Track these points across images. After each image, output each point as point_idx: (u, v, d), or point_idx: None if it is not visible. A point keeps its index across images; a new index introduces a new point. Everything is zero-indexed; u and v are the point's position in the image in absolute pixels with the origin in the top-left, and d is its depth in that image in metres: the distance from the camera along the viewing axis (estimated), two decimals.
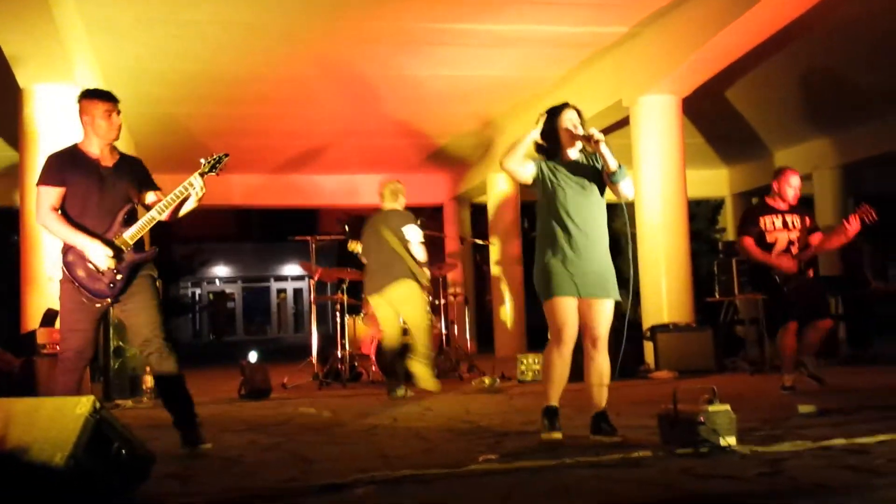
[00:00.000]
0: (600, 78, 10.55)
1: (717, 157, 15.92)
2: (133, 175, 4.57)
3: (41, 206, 4.40)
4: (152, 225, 4.45)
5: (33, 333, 7.49)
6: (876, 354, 9.72)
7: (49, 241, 8.35)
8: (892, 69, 10.78)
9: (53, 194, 4.40)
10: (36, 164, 8.44)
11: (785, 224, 6.54)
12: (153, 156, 13.17)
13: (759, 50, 8.78)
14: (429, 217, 11.60)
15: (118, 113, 4.55)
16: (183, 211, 4.56)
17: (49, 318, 7.71)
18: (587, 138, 4.37)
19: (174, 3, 8.33)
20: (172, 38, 9.06)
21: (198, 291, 37.57)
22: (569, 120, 4.48)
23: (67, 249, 4.41)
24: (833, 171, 14.37)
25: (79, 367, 4.43)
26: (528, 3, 8.60)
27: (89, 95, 4.56)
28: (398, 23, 8.99)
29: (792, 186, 6.54)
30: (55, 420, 3.18)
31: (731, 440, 3.84)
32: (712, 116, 12.57)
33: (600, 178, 4.49)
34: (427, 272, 7.61)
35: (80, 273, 4.35)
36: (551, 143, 4.52)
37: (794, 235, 6.51)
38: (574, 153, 4.53)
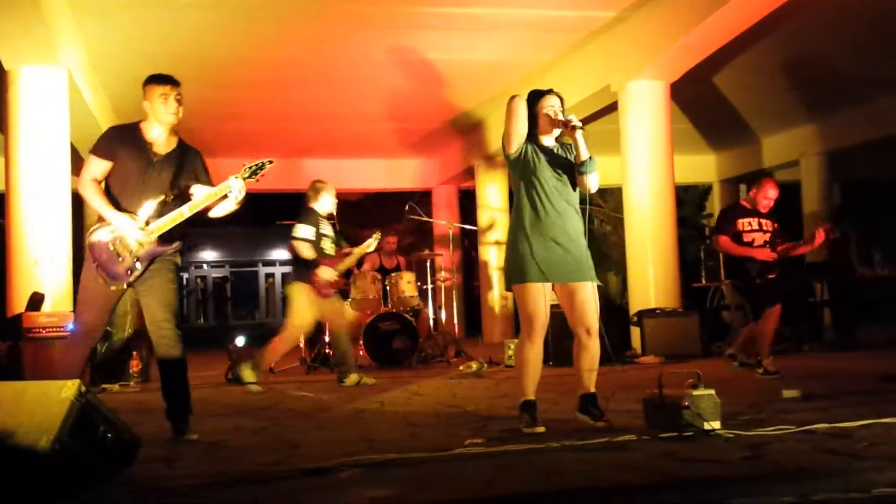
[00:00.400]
0: (588, 63, 10.53)
1: (705, 142, 15.95)
2: (183, 166, 4.53)
3: (85, 173, 4.42)
4: (181, 220, 4.42)
5: (19, 317, 7.46)
6: (860, 340, 9.79)
7: (35, 224, 8.34)
8: (878, 55, 10.81)
9: (99, 166, 4.42)
10: (20, 146, 8.42)
11: (760, 226, 6.87)
12: None
13: (748, 35, 8.78)
14: (417, 202, 11.56)
15: (177, 96, 4.53)
16: (220, 212, 4.57)
17: (35, 302, 7.68)
18: (565, 124, 4.36)
19: None
20: (159, 19, 8.98)
21: (185, 276, 37.45)
22: (550, 106, 4.47)
23: (93, 231, 4.42)
24: (820, 157, 14.42)
25: (86, 342, 4.52)
26: None
27: (149, 80, 4.56)
28: (385, 6, 8.95)
29: (768, 198, 6.87)
30: (41, 404, 3.17)
31: (715, 424, 3.87)
32: (700, 102, 12.57)
33: (573, 167, 4.47)
34: (325, 270, 7.28)
35: (103, 256, 4.38)
36: (529, 128, 4.49)
37: (766, 237, 6.86)
38: (550, 140, 4.53)
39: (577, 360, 4.50)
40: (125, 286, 4.43)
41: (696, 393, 3.91)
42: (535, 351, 4.42)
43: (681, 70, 9.59)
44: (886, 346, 9.24)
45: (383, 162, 16.83)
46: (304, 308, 7.29)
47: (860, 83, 11.96)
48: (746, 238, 6.82)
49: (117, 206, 4.38)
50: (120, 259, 4.36)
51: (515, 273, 4.42)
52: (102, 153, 4.43)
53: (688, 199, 18.09)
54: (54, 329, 7.11)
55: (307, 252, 7.26)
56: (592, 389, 4.43)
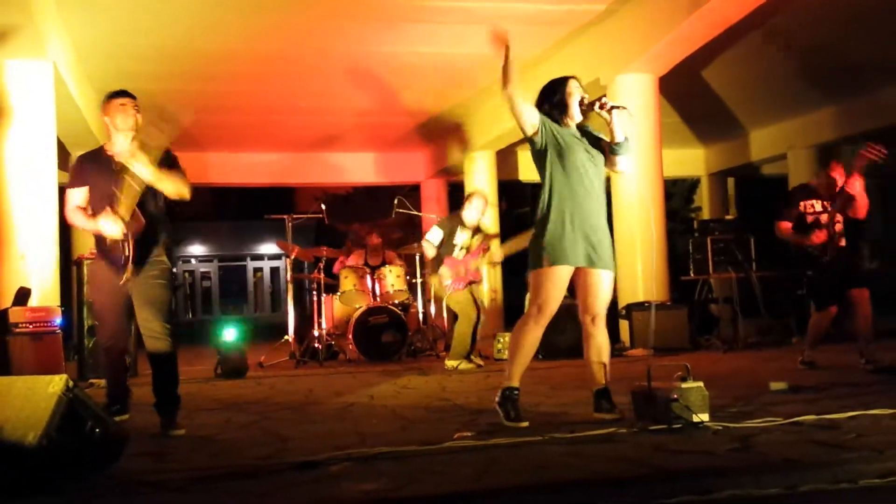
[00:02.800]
0: (577, 56, 10.53)
1: (694, 136, 15.97)
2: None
3: (68, 205, 4.75)
4: (136, 196, 4.46)
5: (6, 312, 7.41)
6: (849, 333, 9.80)
7: (21, 218, 8.29)
8: (866, 48, 10.84)
9: (77, 195, 4.72)
10: (5, 140, 8.36)
11: (824, 209, 6.50)
12: None
13: (736, 29, 8.79)
14: (406, 195, 11.55)
15: (135, 107, 4.70)
16: (165, 187, 4.56)
17: (21, 296, 7.63)
18: (602, 106, 4.32)
19: None
20: (146, 13, 8.93)
21: (173, 270, 37.32)
22: (577, 89, 4.42)
23: (96, 241, 4.71)
24: (808, 150, 14.46)
25: (116, 352, 4.88)
26: None
27: (106, 97, 4.78)
28: None
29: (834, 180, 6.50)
30: (28, 399, 3.16)
31: (703, 416, 3.89)
32: (689, 96, 12.59)
33: (602, 149, 4.42)
34: (444, 270, 8.07)
35: (105, 246, 4.63)
36: (559, 112, 4.42)
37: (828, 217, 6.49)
38: (572, 126, 4.45)
39: (586, 353, 4.43)
40: (127, 274, 4.56)
41: (685, 385, 3.92)
42: (535, 336, 4.34)
43: (669, 64, 9.60)
44: (874, 338, 9.25)
45: (372, 155, 16.80)
46: (450, 296, 8.00)
47: (848, 76, 11.99)
48: (810, 220, 6.48)
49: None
50: (114, 252, 4.57)
51: (538, 257, 4.32)
52: (76, 182, 4.75)
53: (676, 193, 18.13)
54: (41, 324, 7.07)
55: (429, 252, 8.14)
56: (604, 383, 4.36)
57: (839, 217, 6.45)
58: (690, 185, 18.60)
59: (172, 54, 10.28)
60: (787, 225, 6.58)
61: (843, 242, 6.47)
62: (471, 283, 8.00)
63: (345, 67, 11.12)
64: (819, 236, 6.41)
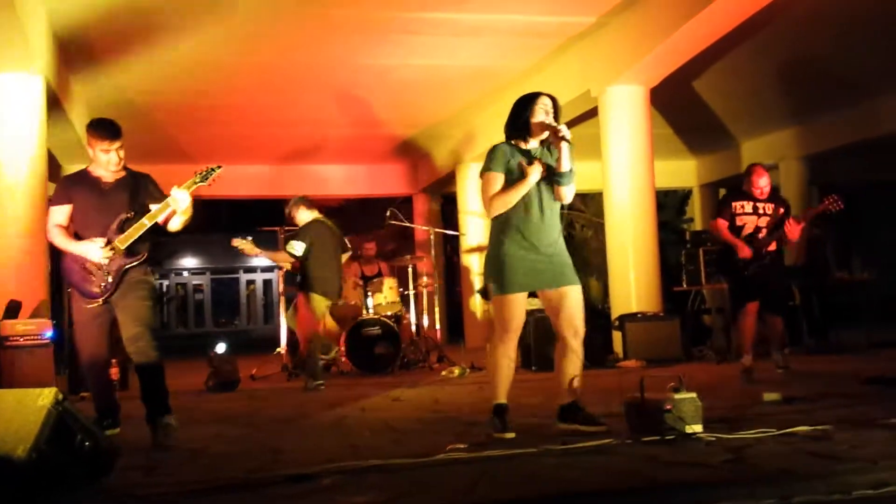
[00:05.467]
0: (568, 68, 10.56)
1: (685, 147, 16.02)
2: (137, 189, 4.88)
3: (50, 222, 4.91)
4: (142, 231, 4.72)
5: None
6: (840, 343, 9.83)
7: (12, 229, 8.25)
8: (856, 60, 10.90)
9: (59, 212, 4.88)
10: None
11: (756, 210, 6.77)
12: None
13: (727, 40, 8.82)
14: (398, 207, 11.55)
15: (119, 149, 4.83)
16: (176, 224, 4.86)
17: (11, 309, 7.59)
18: (556, 133, 4.29)
19: None
20: (135, 26, 8.93)
21: (165, 283, 37.21)
22: (542, 109, 4.40)
23: (65, 259, 4.85)
24: (799, 161, 14.52)
25: (98, 373, 4.99)
26: None
27: (92, 129, 4.87)
28: (365, 12, 8.91)
29: (759, 186, 6.79)
30: (17, 412, 3.13)
31: (696, 427, 3.88)
32: (680, 107, 12.63)
33: (552, 171, 4.41)
34: None
35: (75, 277, 4.80)
36: (521, 131, 4.43)
37: (763, 221, 6.75)
38: (534, 143, 4.47)
39: (561, 366, 4.41)
40: (101, 302, 4.75)
41: (678, 396, 3.91)
42: (508, 356, 4.39)
43: (660, 75, 9.63)
44: (866, 349, 9.29)
45: (364, 167, 16.81)
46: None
47: (838, 87, 12.05)
48: (739, 221, 6.75)
49: (84, 236, 4.79)
50: (92, 277, 4.74)
51: (496, 282, 4.37)
52: (59, 199, 4.91)
53: (668, 204, 18.15)
54: (31, 337, 7.03)
55: None
56: (577, 395, 4.36)
57: (764, 230, 6.74)
58: (682, 196, 18.63)
59: (163, 67, 10.27)
60: (723, 223, 6.82)
61: (767, 255, 6.76)
62: None
63: (336, 80, 11.13)
64: (745, 252, 6.66)
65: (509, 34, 9.78)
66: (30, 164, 8.43)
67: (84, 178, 4.92)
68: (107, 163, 4.81)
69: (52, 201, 4.96)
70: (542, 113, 4.39)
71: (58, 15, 8.45)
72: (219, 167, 4.88)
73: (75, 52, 9.48)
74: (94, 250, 4.70)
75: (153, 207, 4.78)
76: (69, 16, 8.52)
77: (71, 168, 12.57)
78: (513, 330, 4.37)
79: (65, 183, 5.03)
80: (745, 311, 6.77)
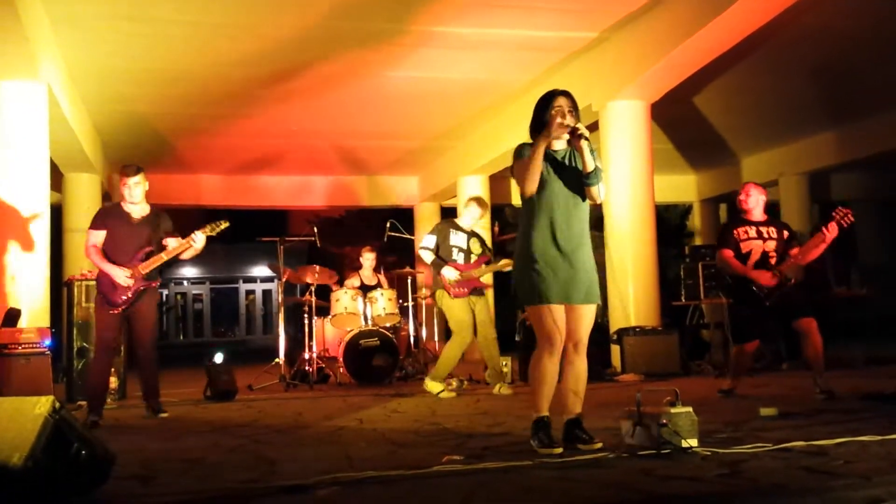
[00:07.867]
0: (569, 82, 10.48)
1: (686, 162, 16.06)
2: (156, 225, 6.34)
3: (88, 243, 6.29)
4: (160, 263, 6.27)
5: None
6: (839, 359, 9.82)
7: (13, 238, 8.27)
8: (855, 78, 10.94)
9: (97, 236, 6.28)
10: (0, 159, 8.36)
11: (760, 234, 6.46)
12: (119, 153, 13.08)
13: (727, 56, 8.86)
14: (399, 219, 11.56)
15: (137, 184, 6.25)
16: (187, 256, 6.38)
17: (11, 317, 7.60)
18: (572, 131, 4.16)
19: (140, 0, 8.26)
20: (138, 35, 8.96)
21: (164, 292, 37.21)
22: (558, 108, 4.23)
23: (100, 275, 6.22)
24: (799, 177, 14.56)
25: (110, 354, 6.41)
26: (497, 7, 8.62)
27: (121, 169, 6.41)
28: (367, 23, 8.96)
29: (748, 207, 6.55)
30: (14, 420, 3.14)
31: (692, 442, 3.87)
32: (680, 122, 12.67)
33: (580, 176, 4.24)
34: (448, 270, 7.82)
35: (105, 288, 6.19)
36: (541, 132, 4.23)
37: (771, 246, 6.43)
38: (561, 144, 4.30)
39: (563, 380, 4.26)
40: (120, 310, 6.18)
41: (674, 410, 3.91)
42: (553, 365, 4.18)
43: (661, 90, 9.67)
44: (864, 364, 9.29)
45: (365, 179, 16.84)
46: (452, 308, 7.80)
47: (837, 104, 12.09)
48: (745, 248, 6.40)
49: (114, 258, 6.19)
50: (117, 291, 6.15)
51: (528, 294, 4.20)
52: (97, 225, 6.31)
53: (668, 219, 18.19)
54: (31, 345, 7.04)
55: (426, 257, 7.92)
56: (578, 411, 4.23)
57: (773, 254, 6.40)
58: (683, 210, 18.67)
59: (167, 77, 10.31)
60: (728, 252, 6.47)
61: (791, 282, 6.39)
62: (474, 290, 7.86)
63: (337, 92, 11.16)
64: (768, 279, 6.31)
65: (511, 48, 9.82)
66: (32, 172, 8.46)
67: (118, 210, 6.34)
68: (129, 195, 6.21)
69: (92, 226, 6.28)
70: (557, 116, 4.21)
71: (61, 22, 8.48)
72: (227, 223, 6.41)
73: (79, 60, 9.51)
74: (121, 276, 6.11)
75: (170, 241, 6.25)
76: (73, 23, 8.56)
77: (71, 176, 12.63)
78: (557, 342, 4.16)
79: (102, 213, 6.48)
80: (742, 348, 6.60)
